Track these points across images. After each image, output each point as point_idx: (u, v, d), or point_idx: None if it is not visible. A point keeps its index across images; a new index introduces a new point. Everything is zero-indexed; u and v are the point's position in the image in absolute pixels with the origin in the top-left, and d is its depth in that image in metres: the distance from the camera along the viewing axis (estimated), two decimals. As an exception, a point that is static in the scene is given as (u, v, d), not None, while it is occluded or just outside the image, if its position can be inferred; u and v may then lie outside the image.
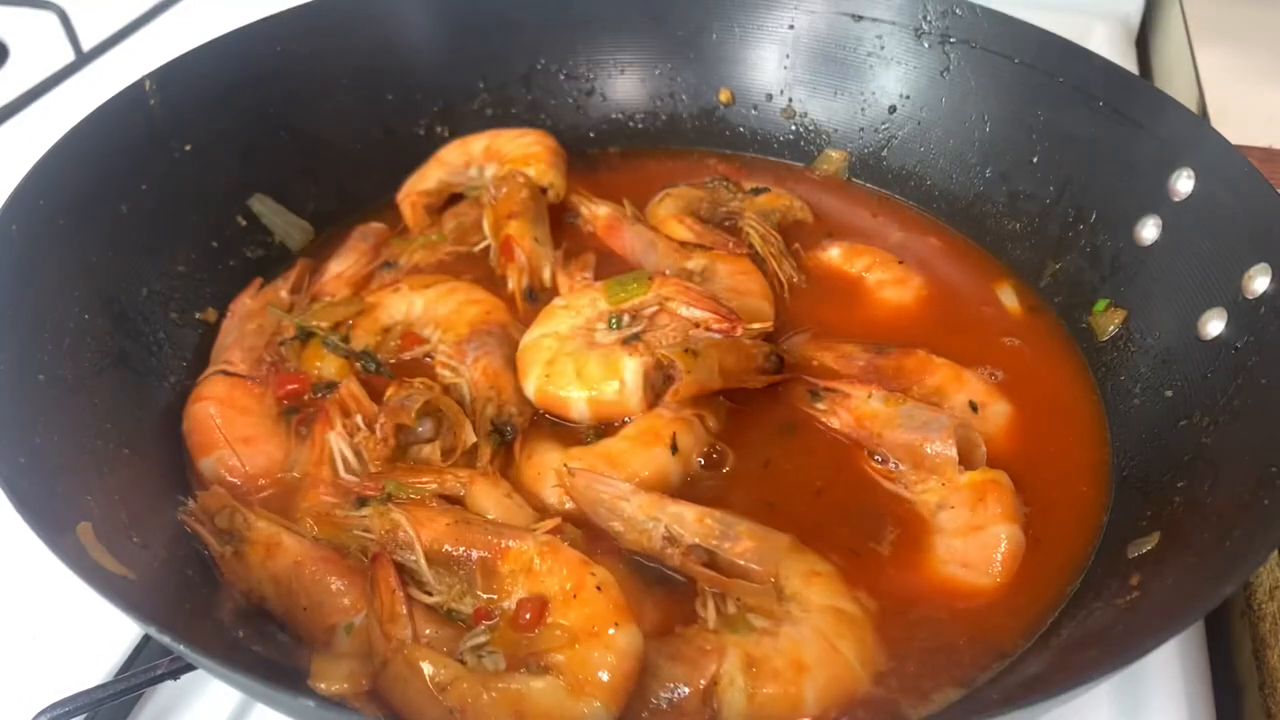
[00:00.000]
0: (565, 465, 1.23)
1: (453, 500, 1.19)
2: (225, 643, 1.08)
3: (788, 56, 1.78)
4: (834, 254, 1.62)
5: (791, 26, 1.76)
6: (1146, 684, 1.15)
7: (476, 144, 1.72)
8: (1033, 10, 1.62)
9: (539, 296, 1.51)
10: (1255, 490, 1.06)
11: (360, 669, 1.03)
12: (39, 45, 2.16)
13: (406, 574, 1.09)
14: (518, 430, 1.32)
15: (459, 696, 0.97)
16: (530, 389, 1.34)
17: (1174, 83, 2.07)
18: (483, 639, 1.04)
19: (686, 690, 1.02)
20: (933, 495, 1.24)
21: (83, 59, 2.12)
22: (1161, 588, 1.07)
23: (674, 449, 1.27)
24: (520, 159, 1.66)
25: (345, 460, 1.25)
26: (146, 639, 1.17)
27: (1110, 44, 2.18)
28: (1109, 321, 1.43)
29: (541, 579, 1.06)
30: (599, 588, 1.04)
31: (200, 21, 2.04)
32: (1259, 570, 1.26)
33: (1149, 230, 1.40)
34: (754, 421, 1.36)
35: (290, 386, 1.36)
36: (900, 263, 1.59)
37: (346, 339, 1.43)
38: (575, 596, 1.03)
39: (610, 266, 1.56)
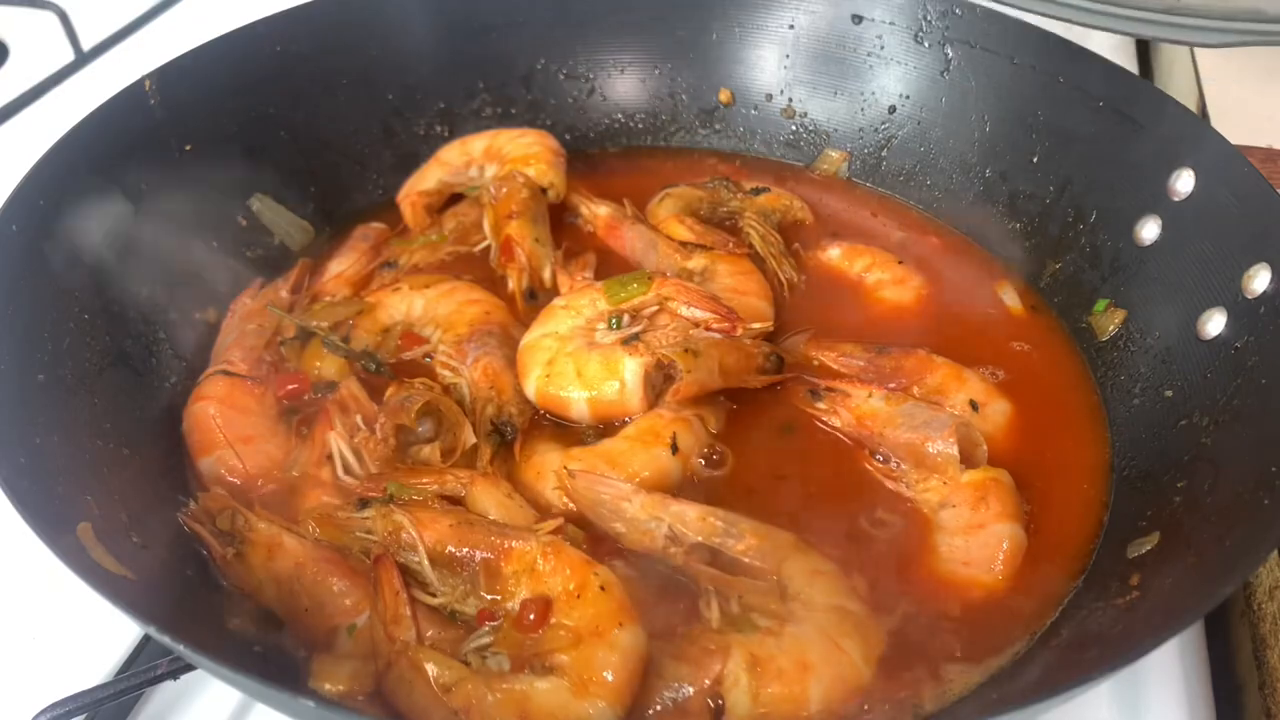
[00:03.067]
0: (565, 467, 1.23)
1: (453, 501, 1.19)
2: (225, 643, 1.08)
3: (788, 56, 1.78)
4: (834, 254, 1.62)
5: (792, 26, 1.76)
6: (1146, 684, 1.15)
7: (477, 144, 1.72)
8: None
9: (539, 296, 1.51)
10: (1255, 490, 1.06)
11: (362, 670, 1.03)
12: (39, 45, 2.16)
13: (409, 575, 1.09)
14: (518, 430, 1.32)
15: (464, 697, 0.97)
16: (530, 389, 1.34)
17: (1174, 83, 2.07)
18: (486, 640, 1.04)
19: (691, 690, 1.02)
20: (934, 494, 1.24)
21: (83, 59, 2.12)
22: (1161, 588, 1.07)
23: (674, 449, 1.27)
24: (520, 159, 1.66)
25: (345, 460, 1.25)
26: (146, 639, 1.17)
27: (1110, 44, 2.17)
28: (1109, 321, 1.43)
29: (545, 579, 1.06)
30: (602, 588, 1.04)
31: (200, 21, 2.04)
32: (1259, 570, 1.26)
33: (1149, 230, 1.40)
34: (754, 421, 1.36)
35: (290, 386, 1.36)
36: (900, 263, 1.59)
37: (347, 339, 1.43)
38: (579, 597, 1.03)
39: (610, 266, 1.57)
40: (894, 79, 1.71)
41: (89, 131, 1.36)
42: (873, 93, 1.74)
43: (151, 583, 1.05)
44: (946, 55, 1.66)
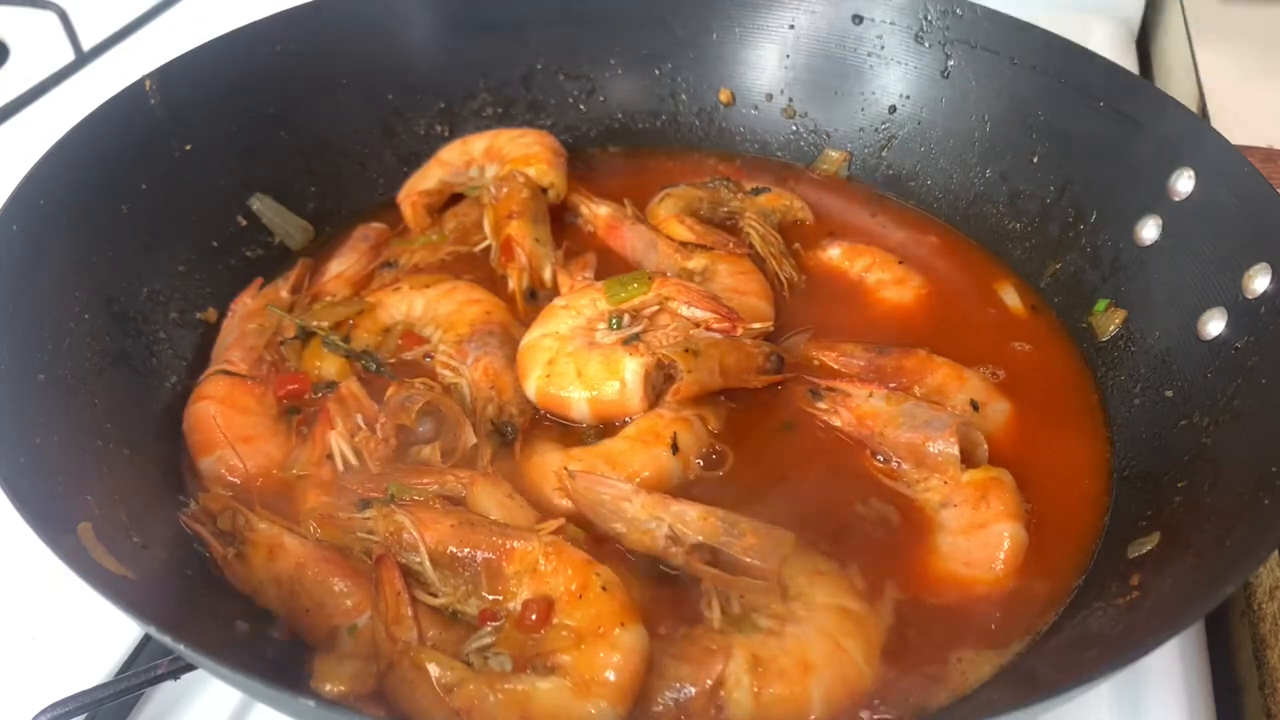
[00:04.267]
0: (565, 467, 1.23)
1: (454, 501, 1.19)
2: (225, 642, 1.08)
3: (788, 56, 1.78)
4: (834, 254, 1.62)
5: (792, 26, 1.76)
6: (1147, 684, 1.15)
7: (477, 144, 1.72)
8: (1033, 10, 1.62)
9: (539, 296, 1.51)
10: (1255, 490, 1.06)
11: (364, 670, 1.03)
12: (39, 45, 2.16)
13: (411, 576, 1.09)
14: (518, 430, 1.32)
15: (465, 698, 0.97)
16: (531, 389, 1.34)
17: (1174, 83, 2.07)
18: (488, 640, 1.04)
19: (693, 690, 1.02)
20: (935, 493, 1.24)
21: (83, 58, 2.12)
22: (1161, 588, 1.07)
23: (674, 449, 1.27)
24: (521, 159, 1.66)
25: (346, 460, 1.25)
26: (146, 639, 1.17)
27: (1110, 44, 2.18)
28: (1109, 321, 1.43)
29: (546, 580, 1.06)
30: (604, 588, 1.04)
31: (200, 21, 2.04)
32: (1259, 570, 1.26)
33: (1149, 230, 1.40)
34: (754, 421, 1.36)
35: (291, 386, 1.36)
36: (900, 263, 1.59)
37: (347, 339, 1.43)
38: (580, 597, 1.03)
39: (611, 266, 1.56)
40: (894, 79, 1.71)
41: (89, 131, 1.36)
42: (873, 92, 1.74)
43: (152, 583, 1.05)
44: (947, 55, 1.66)
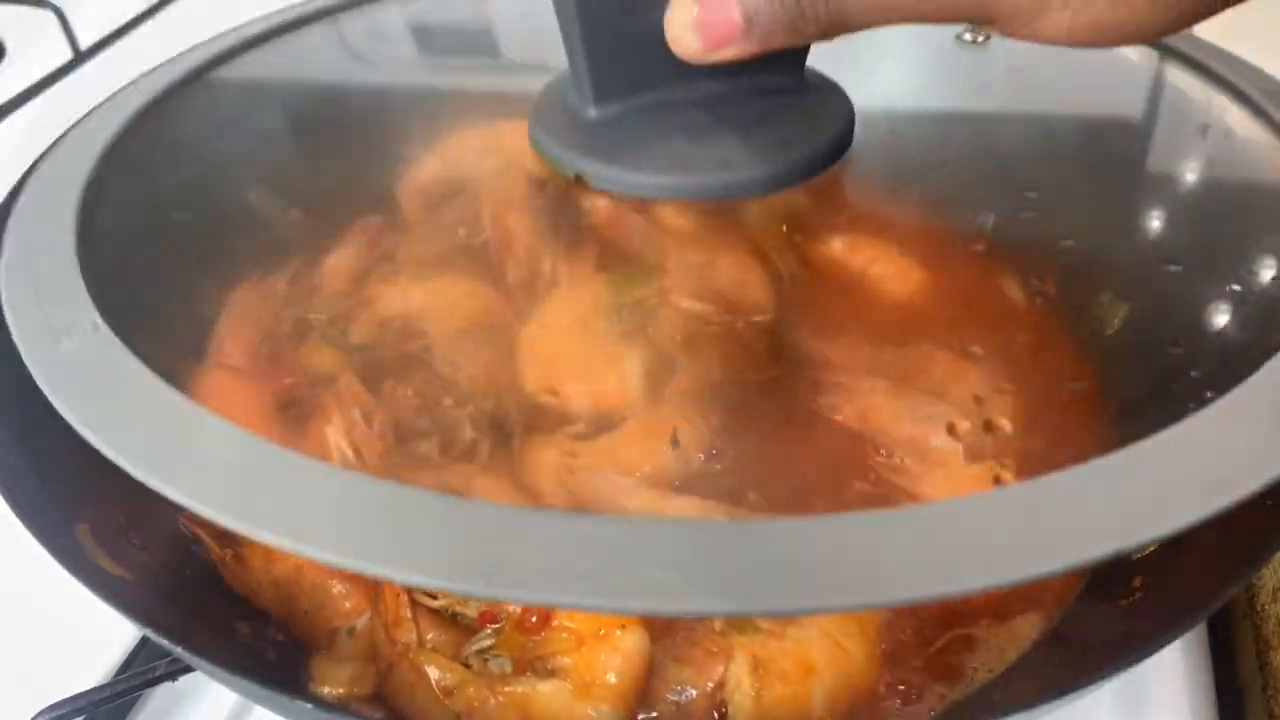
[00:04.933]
0: (565, 464, 1.22)
1: (453, 499, 1.18)
2: (223, 645, 1.07)
3: (789, 47, 1.76)
4: (835, 247, 1.61)
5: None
6: (1148, 685, 1.15)
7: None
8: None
9: (539, 290, 1.50)
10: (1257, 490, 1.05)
11: (364, 672, 1.03)
12: (37, 44, 2.15)
13: (410, 576, 1.09)
14: (517, 427, 1.31)
15: (466, 701, 0.97)
16: (531, 384, 1.33)
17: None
18: (488, 642, 1.04)
19: (694, 692, 1.02)
20: (937, 490, 1.24)
21: (80, 57, 2.10)
22: (1164, 589, 1.07)
23: (675, 444, 1.26)
24: (520, 150, 1.64)
25: (343, 456, 1.25)
26: (145, 640, 1.17)
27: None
28: (1113, 315, 1.42)
29: (546, 581, 1.05)
30: (604, 589, 1.03)
31: (199, 21, 2.03)
32: (1262, 571, 1.26)
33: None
34: (754, 417, 1.35)
35: (287, 381, 1.35)
36: (902, 255, 1.57)
37: (344, 333, 1.42)
38: (580, 598, 1.03)
39: (611, 258, 1.55)
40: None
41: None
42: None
43: (150, 584, 1.05)
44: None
